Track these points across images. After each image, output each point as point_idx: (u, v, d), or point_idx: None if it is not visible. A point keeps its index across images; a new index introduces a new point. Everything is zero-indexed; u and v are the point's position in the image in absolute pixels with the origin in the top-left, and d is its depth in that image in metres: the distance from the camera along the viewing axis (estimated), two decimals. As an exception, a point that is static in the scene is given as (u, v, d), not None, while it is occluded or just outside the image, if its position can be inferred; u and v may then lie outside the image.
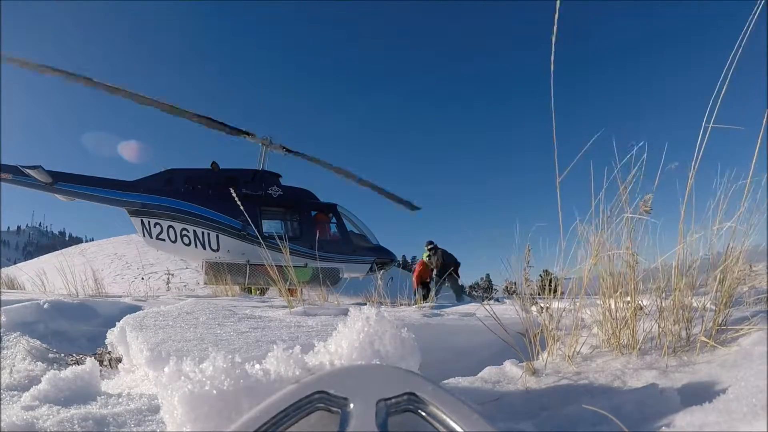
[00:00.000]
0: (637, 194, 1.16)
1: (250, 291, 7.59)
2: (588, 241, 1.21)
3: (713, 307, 1.10)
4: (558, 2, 0.98)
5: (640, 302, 1.17)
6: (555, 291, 1.35)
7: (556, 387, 0.98)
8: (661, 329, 1.10)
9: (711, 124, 1.02)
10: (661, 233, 1.21)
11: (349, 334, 0.74)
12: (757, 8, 0.96)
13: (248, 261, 7.61)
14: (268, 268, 2.57)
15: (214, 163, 8.10)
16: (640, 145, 1.15)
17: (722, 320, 1.07)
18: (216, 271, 7.38)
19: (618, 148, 1.19)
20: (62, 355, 1.61)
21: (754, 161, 1.03)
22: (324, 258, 7.76)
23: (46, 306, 2.12)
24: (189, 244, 7.71)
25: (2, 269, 8.55)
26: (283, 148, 8.56)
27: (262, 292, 7.49)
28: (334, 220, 8.57)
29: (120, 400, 0.98)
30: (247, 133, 8.17)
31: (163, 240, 7.75)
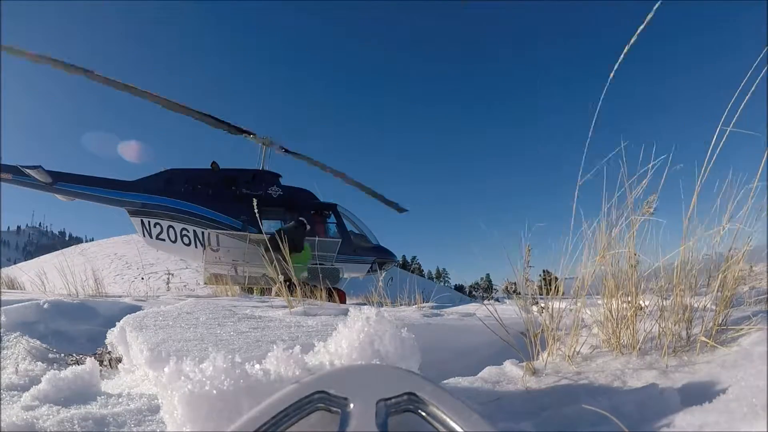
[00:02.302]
0: (640, 194, 1.16)
1: (250, 291, 7.60)
2: (593, 242, 1.21)
3: (713, 307, 1.10)
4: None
5: (640, 302, 1.16)
6: (556, 291, 1.35)
7: (556, 387, 0.98)
8: (661, 329, 1.10)
9: (729, 128, 1.01)
10: (664, 233, 1.21)
11: (349, 334, 0.74)
12: None
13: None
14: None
15: (214, 163, 8.10)
16: (667, 153, 1.14)
17: (722, 320, 1.07)
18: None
19: (624, 150, 1.19)
20: (62, 355, 1.61)
21: (762, 165, 1.02)
22: (324, 258, 7.76)
23: (46, 306, 2.12)
24: (189, 244, 7.71)
25: (2, 269, 8.55)
26: (282, 148, 8.60)
27: (262, 292, 7.49)
28: (334, 219, 8.57)
29: (120, 400, 0.98)
30: (249, 133, 8.19)
31: (163, 240, 7.75)
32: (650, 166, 1.14)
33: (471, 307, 2.66)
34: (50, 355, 1.59)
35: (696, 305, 1.13)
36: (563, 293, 1.33)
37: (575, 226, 1.22)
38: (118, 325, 1.56)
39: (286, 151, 8.69)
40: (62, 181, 7.21)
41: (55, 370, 1.12)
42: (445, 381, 1.06)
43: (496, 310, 1.35)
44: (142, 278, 11.86)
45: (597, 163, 1.15)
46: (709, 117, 1.03)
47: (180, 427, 0.61)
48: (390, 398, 0.57)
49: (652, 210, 1.13)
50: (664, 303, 1.12)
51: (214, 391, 0.62)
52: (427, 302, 3.13)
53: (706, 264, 1.18)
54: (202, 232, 7.61)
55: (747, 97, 0.99)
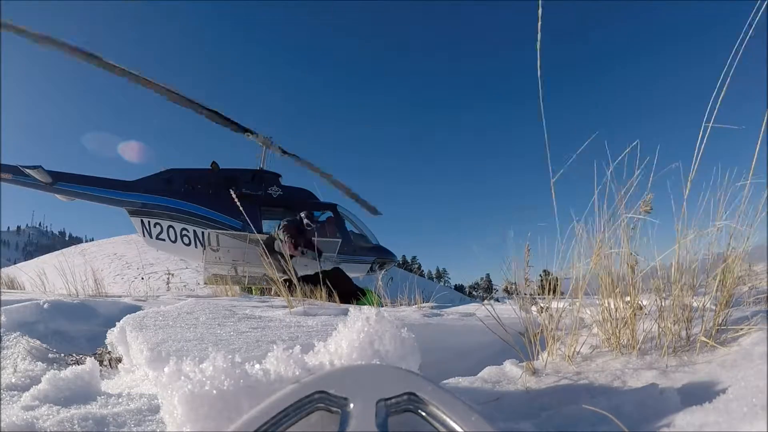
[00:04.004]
0: (634, 194, 1.16)
1: (250, 291, 7.59)
2: (586, 241, 1.21)
3: (713, 307, 1.10)
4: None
5: (640, 302, 1.16)
6: (555, 291, 1.35)
7: (556, 387, 0.98)
8: (661, 329, 1.10)
9: (711, 124, 1.02)
10: (661, 232, 1.21)
11: (349, 334, 0.74)
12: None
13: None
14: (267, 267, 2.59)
15: (214, 163, 8.10)
16: (633, 144, 1.15)
17: (722, 320, 1.07)
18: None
19: (616, 149, 1.19)
20: (62, 355, 1.61)
21: (754, 161, 1.03)
22: (324, 258, 7.75)
23: (46, 306, 2.12)
24: (189, 244, 7.71)
25: (2, 269, 8.55)
26: (281, 149, 8.63)
27: (262, 292, 7.49)
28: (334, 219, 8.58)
29: (120, 400, 0.98)
30: (251, 131, 8.18)
31: (163, 240, 7.75)
32: (626, 159, 1.14)
33: (471, 307, 2.66)
34: (50, 355, 1.59)
35: (695, 305, 1.13)
36: (562, 293, 1.33)
37: (568, 225, 1.22)
38: (118, 325, 1.56)
39: (284, 152, 8.72)
40: (62, 181, 7.21)
41: (55, 370, 1.12)
42: (445, 381, 1.06)
43: (494, 310, 1.35)
44: (142, 278, 11.87)
45: (584, 161, 1.15)
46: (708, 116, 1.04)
47: (180, 427, 0.61)
48: (390, 398, 0.57)
49: (649, 209, 1.13)
50: (663, 303, 1.12)
51: (214, 391, 0.62)
52: (427, 302, 3.13)
53: (704, 263, 1.18)
54: (202, 232, 7.61)
55: (723, 93, 1.00)
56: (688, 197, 1.10)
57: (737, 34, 1.01)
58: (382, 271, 7.96)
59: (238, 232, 7.53)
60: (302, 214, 6.83)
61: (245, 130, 8.13)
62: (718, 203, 1.12)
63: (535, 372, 1.08)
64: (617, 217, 1.18)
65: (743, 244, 1.11)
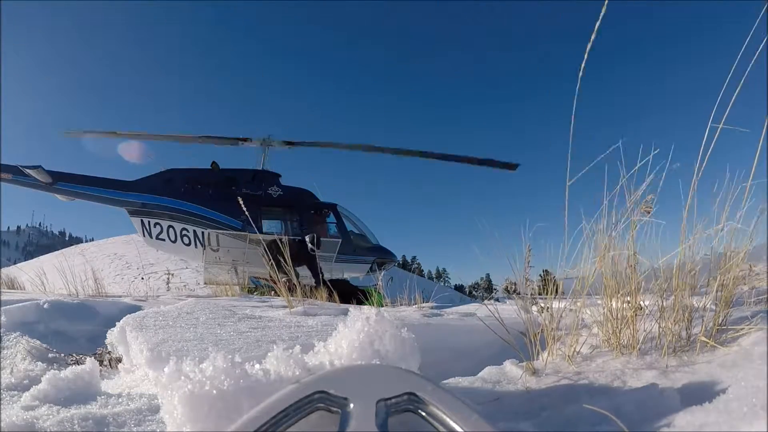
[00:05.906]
0: (640, 194, 1.16)
1: (250, 291, 7.59)
2: (594, 242, 1.20)
3: (713, 307, 1.10)
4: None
5: (640, 302, 1.16)
6: (555, 291, 1.35)
7: (556, 387, 0.98)
8: (661, 329, 1.10)
9: (720, 125, 1.02)
10: (663, 233, 1.21)
11: (349, 334, 0.74)
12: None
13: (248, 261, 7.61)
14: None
15: (214, 163, 8.10)
16: (655, 152, 1.14)
17: (722, 320, 1.07)
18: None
19: (623, 150, 1.19)
20: (62, 355, 1.61)
21: (755, 163, 1.02)
22: (324, 258, 7.75)
23: (46, 306, 2.12)
24: (189, 244, 7.71)
25: (2, 269, 8.55)
26: (285, 143, 8.56)
27: (263, 292, 7.49)
28: (334, 219, 8.57)
29: (120, 400, 0.98)
30: (244, 139, 8.21)
31: (163, 240, 7.76)
32: (647, 160, 1.13)
33: (471, 307, 2.65)
34: (50, 355, 1.59)
35: (696, 305, 1.13)
36: (563, 293, 1.33)
37: (573, 226, 1.22)
38: (118, 325, 1.56)
39: (290, 144, 8.62)
40: (62, 181, 7.21)
41: (55, 370, 1.12)
42: (445, 381, 1.06)
43: (497, 310, 1.35)
44: (142, 278, 11.87)
45: (596, 162, 1.15)
46: (711, 116, 1.04)
47: (180, 427, 0.61)
48: (390, 398, 0.57)
49: (650, 209, 1.13)
50: (664, 303, 1.12)
51: (214, 391, 0.62)
52: (427, 302, 3.13)
53: (705, 264, 1.18)
54: (202, 232, 7.61)
55: (735, 94, 1.00)
56: (697, 197, 1.10)
57: (739, 33, 1.00)
58: (382, 271, 7.96)
59: (238, 232, 7.53)
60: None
61: (238, 140, 8.18)
62: (724, 205, 1.11)
63: (535, 372, 1.08)
64: (625, 219, 1.17)
65: (744, 245, 1.11)
